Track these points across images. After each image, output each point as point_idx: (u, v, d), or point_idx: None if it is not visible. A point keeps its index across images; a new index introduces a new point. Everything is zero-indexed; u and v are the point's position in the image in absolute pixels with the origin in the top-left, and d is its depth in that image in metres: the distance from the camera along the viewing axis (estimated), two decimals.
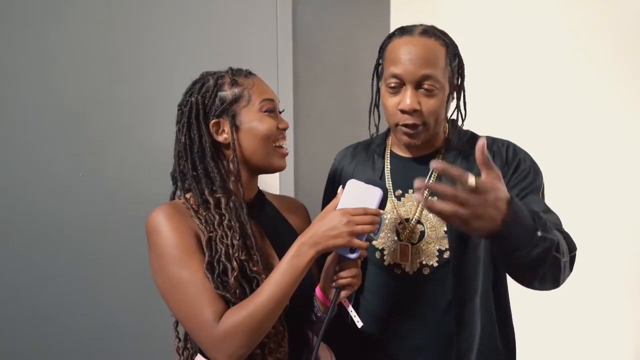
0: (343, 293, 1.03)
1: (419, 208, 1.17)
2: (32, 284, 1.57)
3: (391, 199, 1.20)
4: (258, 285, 0.98)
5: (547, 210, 1.12)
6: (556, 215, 1.17)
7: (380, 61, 1.20)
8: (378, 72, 1.23)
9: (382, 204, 1.01)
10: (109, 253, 1.66)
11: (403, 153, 1.23)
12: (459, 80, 1.18)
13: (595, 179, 1.72)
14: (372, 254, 1.21)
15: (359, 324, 1.06)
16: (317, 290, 1.09)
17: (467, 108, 1.22)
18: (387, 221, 1.20)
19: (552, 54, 1.80)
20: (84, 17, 1.63)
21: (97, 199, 1.65)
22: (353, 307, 1.09)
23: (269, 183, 1.89)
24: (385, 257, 1.20)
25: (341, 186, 1.05)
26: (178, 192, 1.12)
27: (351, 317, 1.07)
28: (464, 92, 1.20)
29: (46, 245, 1.59)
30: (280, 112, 1.15)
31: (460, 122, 1.23)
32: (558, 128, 1.79)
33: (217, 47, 1.84)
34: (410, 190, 1.19)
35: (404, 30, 1.15)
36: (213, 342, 0.93)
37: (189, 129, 1.08)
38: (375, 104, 1.26)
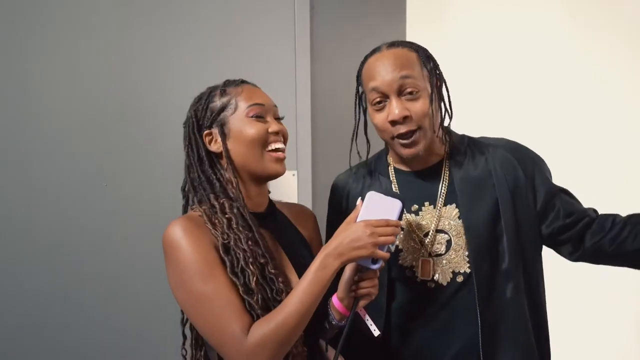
0: (361, 302, 1.04)
1: (436, 217, 1.17)
2: (55, 291, 1.60)
3: (409, 215, 1.20)
4: (277, 290, 1.00)
5: (568, 197, 1.20)
6: (572, 196, 1.21)
7: (360, 88, 1.22)
8: (360, 99, 1.24)
9: (401, 215, 1.03)
10: (132, 261, 1.69)
11: (407, 167, 1.23)
12: (439, 82, 1.18)
13: (600, 178, 1.72)
14: (402, 272, 1.20)
15: (376, 333, 1.07)
16: (334, 299, 1.09)
17: (452, 108, 1.20)
18: (408, 236, 1.19)
19: (560, 63, 1.81)
20: (107, 30, 1.67)
21: (120, 208, 1.68)
22: (384, 323, 1.10)
23: (288, 189, 1.91)
24: (416, 274, 1.19)
25: (360, 198, 1.06)
26: (189, 207, 1.14)
27: (367, 326, 1.08)
28: (447, 93, 1.20)
29: (69, 253, 1.62)
30: (278, 119, 1.14)
31: (447, 122, 1.22)
32: (570, 127, 1.80)
33: (237, 58, 1.87)
34: (427, 203, 1.18)
35: (374, 51, 1.19)
36: (242, 356, 0.93)
37: (190, 142, 1.13)
38: (364, 131, 1.25)
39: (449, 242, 1.16)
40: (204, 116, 1.12)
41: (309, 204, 1.95)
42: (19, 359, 1.57)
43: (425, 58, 1.16)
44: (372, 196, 1.03)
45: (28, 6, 1.57)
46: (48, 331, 1.60)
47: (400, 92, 1.11)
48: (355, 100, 1.25)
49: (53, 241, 1.60)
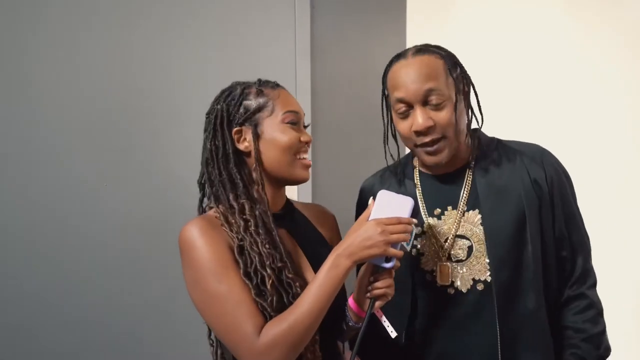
0: (377, 303, 1.03)
1: (456, 222, 1.16)
2: (57, 290, 1.59)
3: (431, 219, 1.19)
4: (294, 294, 0.99)
5: (582, 240, 1.19)
6: (588, 246, 1.20)
7: (386, 91, 1.20)
8: (387, 102, 1.22)
9: (414, 213, 1.02)
10: (131, 261, 1.67)
11: (432, 171, 1.21)
12: (467, 87, 1.16)
13: (600, 178, 1.72)
14: (423, 277, 1.19)
15: (393, 334, 1.05)
16: (350, 301, 1.09)
17: (482, 112, 1.20)
18: (429, 240, 1.18)
19: (561, 60, 1.81)
20: (106, 29, 1.66)
21: (120, 209, 1.66)
22: (406, 328, 1.09)
23: (288, 192, 1.90)
24: (437, 279, 1.17)
25: (372, 197, 1.05)
26: (205, 200, 1.13)
27: (385, 327, 1.07)
28: (476, 97, 1.19)
29: (70, 253, 1.60)
30: (305, 127, 1.15)
31: (478, 126, 1.21)
32: (570, 127, 1.80)
33: (238, 58, 1.86)
34: (450, 207, 1.17)
35: (399, 56, 1.15)
36: (254, 355, 0.93)
37: (215, 136, 1.09)
38: (392, 134, 1.24)
39: (470, 248, 1.15)
40: (236, 112, 1.09)
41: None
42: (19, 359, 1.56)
43: (452, 65, 1.14)
44: (383, 195, 1.03)
45: (28, 6, 1.56)
46: (49, 331, 1.58)
47: (424, 102, 1.09)
48: (382, 103, 1.23)
49: (52, 241, 1.58)
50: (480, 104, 1.20)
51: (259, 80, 1.14)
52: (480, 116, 1.20)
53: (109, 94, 1.66)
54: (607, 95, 1.71)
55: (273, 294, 0.97)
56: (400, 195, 1.02)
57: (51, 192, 1.59)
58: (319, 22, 2.03)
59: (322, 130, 2.05)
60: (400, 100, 1.11)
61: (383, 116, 1.23)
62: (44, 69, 1.58)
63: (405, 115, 1.12)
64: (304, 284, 1.02)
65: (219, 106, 1.11)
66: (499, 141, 1.23)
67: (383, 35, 2.20)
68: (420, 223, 1.18)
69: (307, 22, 1.99)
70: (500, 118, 1.95)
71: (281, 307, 0.97)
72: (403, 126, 1.13)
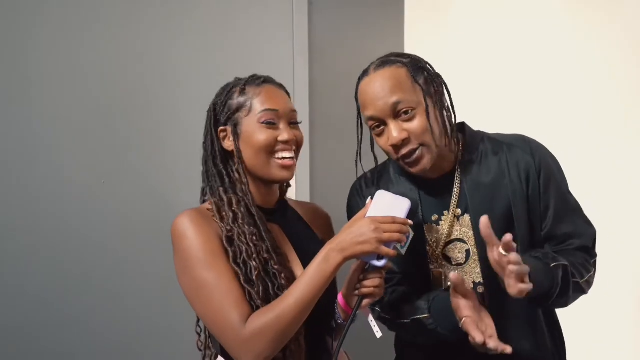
0: (365, 302, 1.03)
1: (450, 226, 1.15)
2: (55, 288, 1.60)
3: (429, 225, 1.18)
4: (279, 285, 1.00)
5: (582, 225, 1.16)
6: (589, 231, 1.18)
7: (360, 109, 1.19)
8: (362, 120, 1.20)
9: (411, 215, 1.02)
10: (129, 258, 1.69)
11: (424, 175, 1.19)
12: (438, 87, 1.14)
13: (604, 181, 1.71)
14: (428, 282, 1.19)
15: (378, 334, 1.06)
16: (339, 298, 1.10)
17: (455, 111, 1.17)
18: (429, 246, 1.18)
19: (559, 56, 1.81)
20: (105, 26, 1.67)
21: (118, 205, 1.67)
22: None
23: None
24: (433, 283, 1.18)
25: (370, 197, 1.06)
26: (207, 190, 1.15)
27: (371, 326, 1.07)
28: (449, 95, 1.17)
29: (68, 250, 1.61)
30: (294, 124, 1.14)
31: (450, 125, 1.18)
32: (570, 121, 1.79)
33: (235, 55, 1.87)
34: (445, 212, 1.16)
35: (364, 73, 1.15)
36: (240, 344, 0.95)
37: (206, 134, 1.14)
38: (371, 148, 1.23)
39: (468, 251, 1.14)
40: (221, 112, 1.12)
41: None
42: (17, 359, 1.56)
43: (416, 70, 1.11)
44: (381, 194, 1.03)
45: (29, 6, 1.57)
46: (48, 330, 1.59)
47: (395, 115, 1.08)
48: (357, 120, 1.22)
49: (51, 240, 1.59)
50: (454, 102, 1.18)
51: (251, 76, 1.15)
52: (454, 116, 1.17)
53: (105, 90, 1.67)
54: (607, 95, 1.70)
55: (259, 284, 0.99)
56: (398, 196, 1.03)
57: (50, 191, 1.60)
58: (317, 19, 2.03)
59: (320, 128, 2.05)
60: (371, 118, 1.11)
61: (357, 134, 1.23)
62: (44, 68, 1.59)
63: (380, 132, 1.11)
64: (291, 277, 1.03)
65: (210, 105, 1.15)
66: (484, 135, 1.22)
67: (381, 31, 2.20)
68: (419, 227, 1.18)
69: (305, 19, 1.99)
70: (499, 112, 1.95)
71: (266, 297, 0.99)
72: (382, 142, 1.13)
